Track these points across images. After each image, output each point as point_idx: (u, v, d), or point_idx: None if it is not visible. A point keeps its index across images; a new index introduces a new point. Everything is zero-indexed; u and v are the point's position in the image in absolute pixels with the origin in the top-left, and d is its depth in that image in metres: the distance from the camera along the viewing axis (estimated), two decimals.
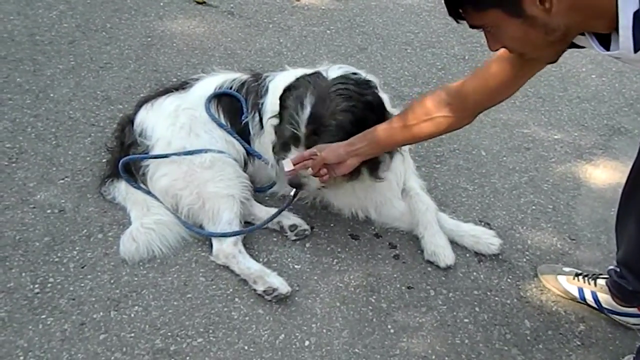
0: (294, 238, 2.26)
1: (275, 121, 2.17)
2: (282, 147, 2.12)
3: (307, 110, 1.98)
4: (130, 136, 2.27)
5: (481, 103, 1.81)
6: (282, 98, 2.11)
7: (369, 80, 2.15)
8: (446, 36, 3.94)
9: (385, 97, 2.25)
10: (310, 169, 1.97)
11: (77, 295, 1.94)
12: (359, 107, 2.02)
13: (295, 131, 2.02)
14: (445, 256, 2.20)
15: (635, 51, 1.28)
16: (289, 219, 2.25)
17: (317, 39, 3.69)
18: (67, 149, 2.52)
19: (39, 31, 3.30)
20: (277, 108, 2.17)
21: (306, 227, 2.27)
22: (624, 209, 1.89)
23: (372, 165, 2.12)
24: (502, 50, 1.59)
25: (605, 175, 2.81)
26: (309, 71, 2.22)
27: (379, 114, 2.07)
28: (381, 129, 1.94)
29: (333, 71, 2.11)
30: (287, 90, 2.10)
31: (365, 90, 2.07)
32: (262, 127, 2.29)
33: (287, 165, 1.98)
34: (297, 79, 2.12)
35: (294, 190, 2.16)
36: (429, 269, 2.21)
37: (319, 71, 2.13)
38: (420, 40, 3.85)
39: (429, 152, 2.81)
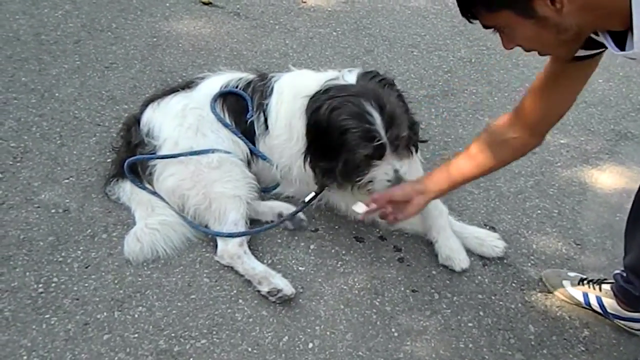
0: (292, 227, 2.26)
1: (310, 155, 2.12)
2: (351, 172, 2.04)
3: (378, 117, 1.95)
4: (137, 136, 2.27)
5: (544, 119, 1.77)
6: (329, 126, 1.99)
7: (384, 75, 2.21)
8: (453, 39, 3.94)
9: None
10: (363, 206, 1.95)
11: (81, 295, 1.94)
12: (397, 89, 2.11)
13: (379, 141, 1.96)
14: (460, 260, 2.20)
15: None
16: (288, 210, 2.26)
17: (323, 41, 3.69)
18: (72, 149, 2.52)
19: (44, 30, 3.30)
20: (286, 125, 2.20)
21: (303, 217, 2.28)
22: (636, 214, 1.87)
23: (415, 138, 2.17)
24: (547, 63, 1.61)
25: (612, 180, 2.80)
26: (310, 72, 2.28)
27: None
28: (449, 166, 1.92)
29: (348, 77, 2.12)
30: (330, 112, 1.98)
31: (389, 78, 2.15)
32: (267, 127, 2.29)
33: (360, 208, 1.96)
34: (329, 99, 2.00)
35: (312, 194, 2.17)
36: (434, 272, 2.20)
37: (336, 83, 2.09)
38: (426, 43, 3.84)
39: (435, 156, 2.80)
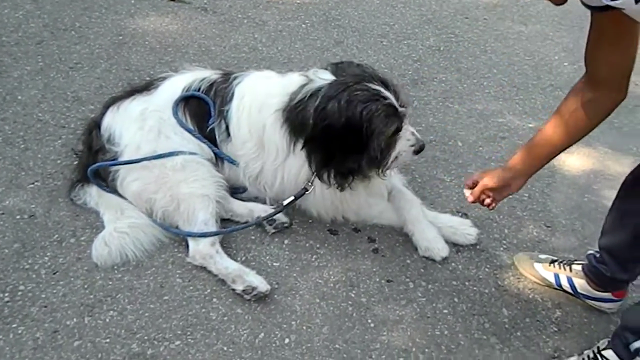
0: (273, 231, 2.24)
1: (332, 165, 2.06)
2: (380, 156, 2.04)
3: (386, 91, 1.96)
4: (98, 141, 2.21)
5: (611, 75, 1.65)
6: (350, 124, 1.92)
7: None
8: (421, 28, 3.95)
9: None
10: (470, 196, 1.96)
11: (50, 302, 1.90)
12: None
13: (398, 114, 2.00)
14: (439, 249, 2.21)
15: (637, 2, 1.27)
16: (267, 212, 2.24)
17: (292, 34, 3.66)
18: (36, 152, 2.46)
19: (5, 32, 3.22)
20: (249, 132, 2.19)
21: (285, 219, 2.26)
22: (624, 197, 1.88)
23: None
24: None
25: (579, 162, 2.84)
26: (273, 75, 2.28)
27: None
28: (535, 140, 1.85)
29: (323, 73, 2.07)
30: (347, 113, 1.91)
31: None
32: (228, 134, 2.24)
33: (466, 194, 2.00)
34: (339, 105, 1.92)
35: (292, 198, 2.17)
36: (408, 261, 2.21)
37: (318, 85, 2.03)
38: (395, 33, 3.84)
39: None
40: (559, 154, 1.85)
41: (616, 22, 1.51)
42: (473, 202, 1.96)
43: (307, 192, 2.17)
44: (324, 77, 2.04)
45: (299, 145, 2.05)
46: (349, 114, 1.92)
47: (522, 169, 1.88)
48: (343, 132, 1.94)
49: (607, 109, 1.72)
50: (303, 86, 2.05)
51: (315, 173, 2.10)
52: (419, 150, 2.10)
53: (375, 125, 1.95)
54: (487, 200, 1.94)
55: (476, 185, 1.93)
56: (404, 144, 2.08)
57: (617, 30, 1.54)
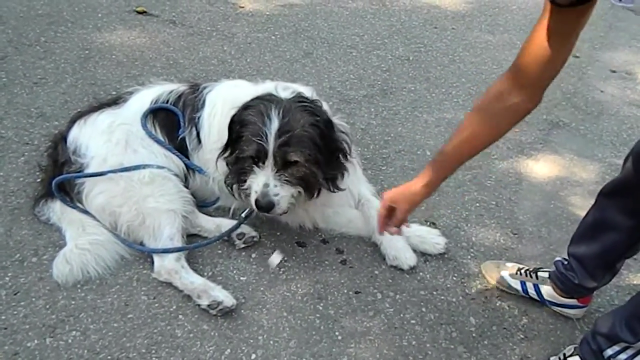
0: (243, 246, 2.23)
1: (225, 151, 2.10)
2: (239, 171, 2.05)
3: (276, 123, 1.92)
4: (64, 154, 2.19)
5: (544, 74, 1.61)
6: (237, 120, 2.01)
7: (317, 100, 2.15)
8: (391, 38, 3.98)
9: (325, 106, 2.27)
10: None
11: (10, 324, 1.86)
12: (322, 123, 2.01)
13: (264, 144, 1.92)
14: (407, 258, 2.22)
15: None
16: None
17: (261, 45, 3.66)
18: None
19: None
20: (219, 137, 2.15)
21: (254, 234, 2.25)
22: (604, 210, 1.88)
23: (331, 179, 2.12)
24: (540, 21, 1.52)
25: (546, 169, 2.88)
26: (245, 83, 2.25)
27: (333, 131, 2.08)
28: (446, 150, 1.82)
29: (282, 91, 2.10)
30: (243, 109, 2.01)
31: (321, 109, 2.09)
32: (199, 142, 2.25)
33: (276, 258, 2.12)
34: (252, 100, 2.03)
35: (247, 210, 2.17)
36: (376, 272, 2.22)
37: (269, 92, 2.09)
38: (365, 43, 3.87)
39: (375, 155, 2.82)
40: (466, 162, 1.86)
41: (579, 18, 1.50)
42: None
43: None
44: (280, 93, 2.08)
45: None
46: (240, 114, 2.01)
47: (434, 182, 1.84)
48: (231, 126, 2.04)
49: (520, 118, 1.71)
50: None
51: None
52: (257, 204, 1.99)
53: (244, 135, 1.98)
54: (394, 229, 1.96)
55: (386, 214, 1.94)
56: (253, 183, 2.01)
57: (574, 27, 1.54)
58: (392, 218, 1.93)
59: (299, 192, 2.05)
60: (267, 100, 2.00)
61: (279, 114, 1.94)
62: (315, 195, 2.11)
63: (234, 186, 2.13)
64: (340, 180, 2.15)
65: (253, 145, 1.95)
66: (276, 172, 1.97)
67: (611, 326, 1.72)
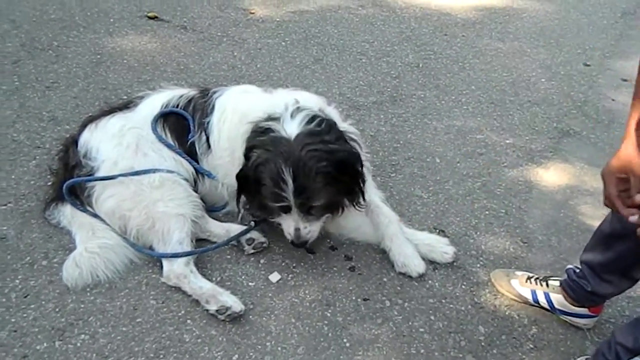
0: (252, 251, 2.23)
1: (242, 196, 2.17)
2: (266, 212, 2.16)
3: (291, 185, 1.97)
4: (75, 157, 2.21)
5: None
6: (252, 176, 2.04)
7: (328, 119, 2.12)
8: (400, 45, 3.99)
9: (335, 113, 2.26)
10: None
11: (19, 326, 1.87)
12: (333, 160, 2.01)
13: (287, 204, 2.03)
14: (416, 265, 2.21)
15: None
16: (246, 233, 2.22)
17: (272, 51, 3.68)
18: (9, 173, 2.43)
19: None
20: (229, 144, 2.21)
21: (263, 239, 2.25)
22: (618, 221, 1.82)
23: (354, 199, 2.16)
24: None
25: (556, 177, 2.87)
26: (256, 90, 2.29)
27: (348, 162, 2.07)
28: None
29: (289, 124, 2.05)
30: (255, 165, 2.01)
31: (330, 138, 2.06)
32: (209, 146, 2.26)
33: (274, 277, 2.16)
34: (258, 143, 2.03)
35: (256, 220, 2.22)
36: (385, 279, 2.21)
37: (273, 129, 2.04)
38: (375, 50, 3.88)
39: (384, 162, 2.82)
40: None
41: None
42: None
43: None
44: (287, 127, 2.04)
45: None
46: (255, 171, 2.02)
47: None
48: (247, 177, 2.06)
49: None
50: (269, 120, 2.08)
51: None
52: (293, 245, 2.14)
53: (264, 194, 2.05)
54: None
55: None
56: (285, 226, 2.14)
57: None
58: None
59: (327, 217, 2.19)
60: (274, 153, 1.98)
61: (290, 172, 1.95)
62: (341, 212, 2.21)
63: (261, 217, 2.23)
64: (361, 196, 2.18)
65: (275, 202, 2.04)
66: (303, 217, 2.08)
67: (633, 337, 1.70)
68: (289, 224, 2.11)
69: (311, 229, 2.12)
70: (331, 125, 2.11)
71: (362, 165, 2.15)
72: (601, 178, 1.61)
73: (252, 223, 2.21)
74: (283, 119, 2.07)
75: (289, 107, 2.12)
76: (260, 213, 2.20)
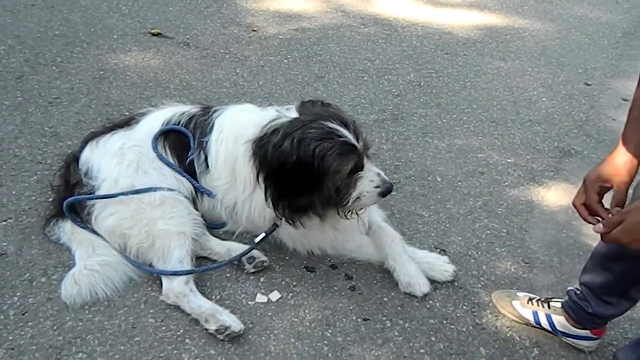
0: (253, 270, 2.21)
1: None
2: (343, 192, 1.99)
3: (344, 129, 1.93)
4: (76, 175, 2.20)
5: None
6: (314, 156, 1.90)
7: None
8: (402, 63, 4.01)
9: None
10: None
11: (17, 344, 1.85)
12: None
13: (357, 155, 1.96)
14: (421, 285, 2.19)
15: None
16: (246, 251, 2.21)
17: (274, 69, 3.70)
18: (11, 189, 2.43)
19: None
20: (225, 166, 2.19)
21: (264, 258, 2.24)
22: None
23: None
24: None
25: (557, 197, 2.86)
26: (253, 108, 2.30)
27: None
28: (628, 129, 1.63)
29: (289, 111, 2.09)
30: (308, 146, 1.90)
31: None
32: (207, 166, 2.25)
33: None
34: (282, 139, 1.93)
35: (263, 234, 2.17)
36: (385, 299, 2.19)
37: (280, 122, 2.02)
38: (376, 68, 3.90)
39: None
40: None
41: None
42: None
43: (277, 227, 2.17)
44: (288, 114, 2.06)
45: (261, 179, 2.04)
46: (301, 152, 1.90)
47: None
48: (296, 170, 1.93)
49: None
50: (271, 121, 2.06)
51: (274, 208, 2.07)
52: (384, 192, 2.02)
53: (329, 163, 1.91)
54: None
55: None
56: (366, 185, 2.00)
57: None
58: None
59: None
60: (301, 124, 1.95)
61: (332, 121, 1.93)
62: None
63: (330, 212, 2.09)
64: None
65: (350, 161, 1.94)
66: (369, 161, 2.03)
67: (635, 357, 1.68)
68: (370, 176, 1.99)
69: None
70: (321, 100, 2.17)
71: None
72: (582, 181, 1.67)
73: (255, 241, 2.17)
74: (281, 116, 2.07)
75: (281, 110, 2.13)
76: (326, 204, 2.02)
